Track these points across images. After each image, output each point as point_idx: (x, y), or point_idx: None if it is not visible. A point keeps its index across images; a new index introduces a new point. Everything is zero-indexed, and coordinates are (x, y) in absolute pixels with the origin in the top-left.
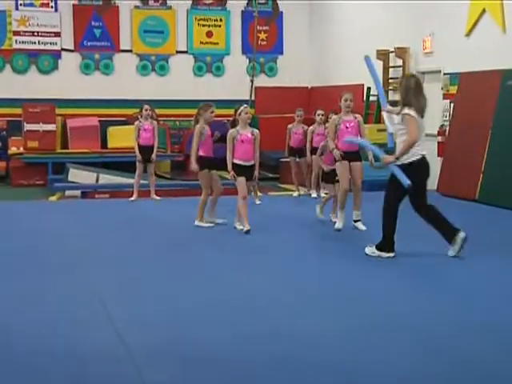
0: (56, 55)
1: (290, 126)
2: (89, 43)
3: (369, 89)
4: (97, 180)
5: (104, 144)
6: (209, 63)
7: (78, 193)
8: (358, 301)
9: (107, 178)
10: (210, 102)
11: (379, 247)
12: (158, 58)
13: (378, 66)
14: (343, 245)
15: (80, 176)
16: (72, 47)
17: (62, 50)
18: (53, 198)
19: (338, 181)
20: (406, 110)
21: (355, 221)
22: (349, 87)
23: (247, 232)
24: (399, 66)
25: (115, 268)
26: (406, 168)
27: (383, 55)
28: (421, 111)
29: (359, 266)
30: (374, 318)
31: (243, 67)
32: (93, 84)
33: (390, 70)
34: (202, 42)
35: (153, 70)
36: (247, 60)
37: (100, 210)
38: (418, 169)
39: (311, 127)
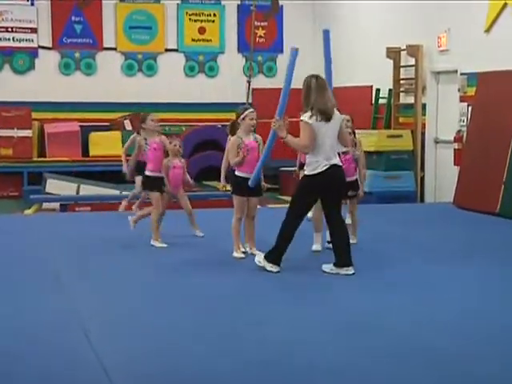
0: (32, 53)
1: None
2: (68, 40)
3: (378, 91)
4: (77, 191)
5: (85, 152)
6: (201, 62)
7: (56, 205)
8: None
9: (89, 189)
10: (203, 104)
11: (266, 256)
12: (145, 57)
13: (388, 65)
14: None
15: (59, 187)
16: (50, 44)
17: (39, 47)
18: (28, 212)
19: (351, 197)
20: (302, 116)
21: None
22: (356, 89)
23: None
24: (411, 66)
25: (97, 291)
26: (310, 180)
27: (394, 53)
28: (324, 114)
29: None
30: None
31: (239, 67)
32: (73, 85)
33: (402, 69)
34: (193, 39)
35: (139, 69)
36: (244, 59)
37: (81, 224)
38: (323, 182)
39: None
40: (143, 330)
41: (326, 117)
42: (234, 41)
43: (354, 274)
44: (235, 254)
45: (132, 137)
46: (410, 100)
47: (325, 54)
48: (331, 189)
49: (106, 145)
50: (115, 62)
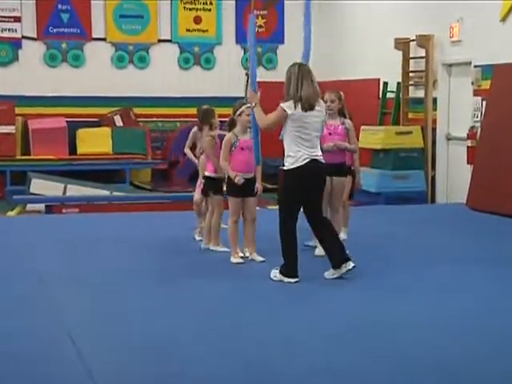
0: (16, 44)
1: None
2: (55, 30)
3: (385, 84)
4: (64, 192)
5: (73, 149)
6: (197, 54)
7: (41, 207)
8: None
9: (76, 190)
10: (198, 98)
11: (281, 271)
12: (137, 48)
13: (397, 56)
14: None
15: (44, 187)
16: (35, 35)
17: (23, 37)
18: (11, 214)
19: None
20: (282, 103)
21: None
22: (362, 82)
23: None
24: (421, 57)
25: (85, 299)
26: (288, 174)
27: (403, 44)
28: (307, 103)
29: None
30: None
31: (237, 59)
32: (59, 78)
33: (411, 61)
34: (188, 30)
35: (130, 61)
36: (242, 50)
37: (68, 227)
38: (302, 177)
39: None
40: (133, 334)
41: (309, 105)
42: (232, 31)
43: (354, 266)
44: (233, 260)
45: (193, 132)
46: (420, 94)
47: (304, 26)
48: (310, 185)
49: (94, 142)
50: (105, 54)
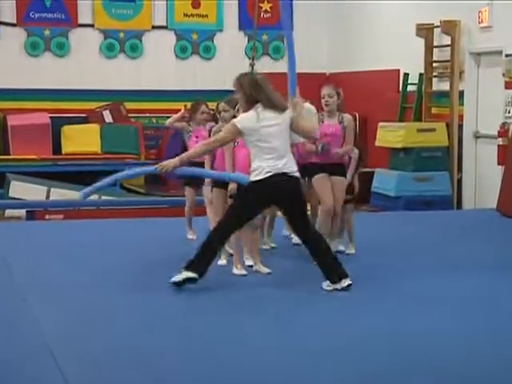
0: None
1: None
2: (36, 15)
3: (406, 76)
4: (47, 196)
5: (57, 148)
6: (195, 42)
7: (22, 212)
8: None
9: (61, 194)
10: (197, 92)
11: (189, 266)
12: (129, 36)
13: (419, 44)
14: None
15: (25, 191)
16: (14, 20)
17: (1, 23)
18: None
19: (347, 201)
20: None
21: None
22: (380, 74)
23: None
24: (446, 46)
25: (66, 314)
26: (250, 188)
27: (425, 31)
28: (273, 108)
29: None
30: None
31: (240, 47)
32: (42, 69)
33: (435, 50)
34: (186, 15)
35: (121, 50)
36: (246, 38)
37: (52, 235)
38: (263, 192)
39: None
40: (118, 349)
41: (274, 109)
42: (235, 16)
43: (351, 284)
44: (235, 271)
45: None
46: (445, 87)
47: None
48: (276, 201)
49: (81, 140)
50: (92, 42)
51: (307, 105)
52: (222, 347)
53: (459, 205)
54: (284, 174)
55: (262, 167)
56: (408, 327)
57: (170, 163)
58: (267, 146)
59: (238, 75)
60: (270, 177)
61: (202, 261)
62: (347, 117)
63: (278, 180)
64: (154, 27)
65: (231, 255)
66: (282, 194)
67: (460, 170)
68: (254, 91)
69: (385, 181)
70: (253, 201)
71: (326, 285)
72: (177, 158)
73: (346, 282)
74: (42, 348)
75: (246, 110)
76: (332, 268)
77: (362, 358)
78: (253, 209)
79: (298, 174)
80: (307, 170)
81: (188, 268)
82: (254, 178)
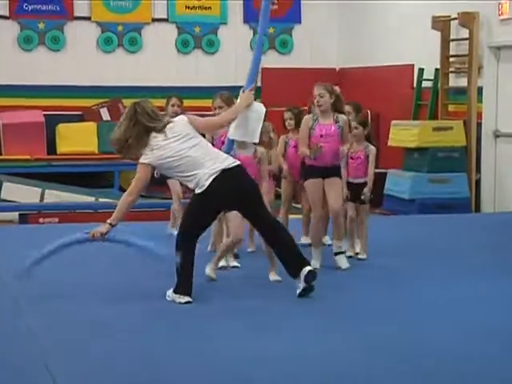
0: None
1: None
2: (30, 7)
3: (421, 71)
4: (41, 198)
5: (52, 148)
6: (198, 36)
7: (14, 216)
8: None
9: (56, 196)
10: (199, 88)
11: (175, 290)
12: (127, 29)
13: (435, 38)
14: None
15: (18, 193)
16: (6, 13)
17: None
18: None
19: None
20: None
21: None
22: (393, 69)
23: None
24: (464, 39)
25: (60, 325)
26: (199, 198)
27: (442, 24)
28: (154, 126)
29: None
30: None
31: (245, 41)
32: (36, 64)
33: (452, 44)
34: (188, 7)
35: (120, 44)
36: (251, 31)
37: (46, 239)
38: (217, 195)
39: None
40: (117, 364)
41: (158, 128)
42: (239, 8)
43: (313, 271)
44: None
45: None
46: (463, 83)
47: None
48: (234, 198)
49: (77, 139)
50: (89, 36)
51: (257, 104)
52: (239, 363)
53: (477, 208)
54: (225, 169)
55: (198, 177)
56: (419, 331)
57: (99, 230)
58: (188, 157)
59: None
60: (215, 179)
61: (182, 280)
62: (342, 117)
63: (224, 177)
64: (154, 20)
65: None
66: (234, 187)
67: (478, 170)
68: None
69: (398, 183)
70: (205, 209)
71: (298, 287)
72: (107, 222)
73: (312, 266)
74: (37, 361)
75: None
76: (294, 258)
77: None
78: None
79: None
80: (302, 170)
81: (176, 292)
82: (199, 189)
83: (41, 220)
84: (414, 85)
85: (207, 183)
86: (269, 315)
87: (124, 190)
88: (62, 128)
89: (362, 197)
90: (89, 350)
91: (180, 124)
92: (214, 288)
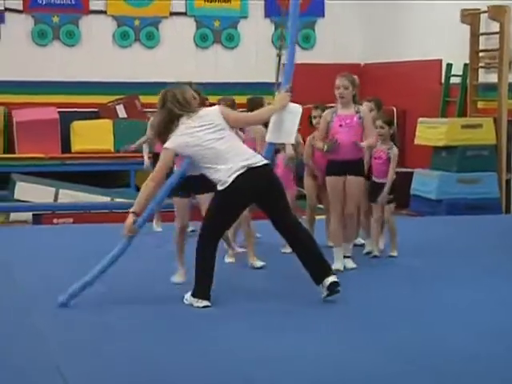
0: None
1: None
2: (44, 1)
3: (449, 66)
4: (55, 198)
5: (66, 146)
6: (217, 30)
7: (28, 216)
8: None
9: (70, 195)
10: (218, 84)
11: (193, 294)
12: (144, 23)
13: (464, 32)
14: None
15: (31, 192)
16: (20, 7)
17: (6, 10)
18: None
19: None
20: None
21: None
22: (419, 64)
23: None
24: (495, 33)
25: (74, 330)
26: (222, 195)
27: (471, 17)
28: (184, 107)
29: None
30: None
31: (267, 36)
32: (50, 59)
33: (481, 38)
34: (207, 0)
35: (136, 39)
36: (272, 25)
37: (60, 240)
38: (239, 194)
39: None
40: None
41: (187, 116)
42: (260, 2)
43: (336, 282)
44: (174, 279)
45: None
46: (493, 78)
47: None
48: (257, 196)
49: (92, 137)
50: (105, 30)
51: (293, 105)
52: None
53: (508, 209)
54: (251, 168)
55: (221, 174)
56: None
57: (126, 225)
58: (211, 149)
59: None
60: (238, 176)
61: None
62: (363, 108)
63: (248, 175)
64: (172, 14)
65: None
66: (258, 185)
67: (509, 170)
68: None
69: (425, 182)
70: (228, 207)
71: (323, 293)
72: (130, 211)
73: (334, 278)
74: (49, 365)
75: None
76: (318, 264)
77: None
78: (230, 214)
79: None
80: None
81: (194, 296)
82: (221, 186)
83: (55, 220)
84: (442, 81)
85: (230, 180)
86: (285, 316)
87: (139, 189)
88: (76, 125)
89: (379, 198)
90: (99, 351)
91: (211, 114)
92: (232, 289)
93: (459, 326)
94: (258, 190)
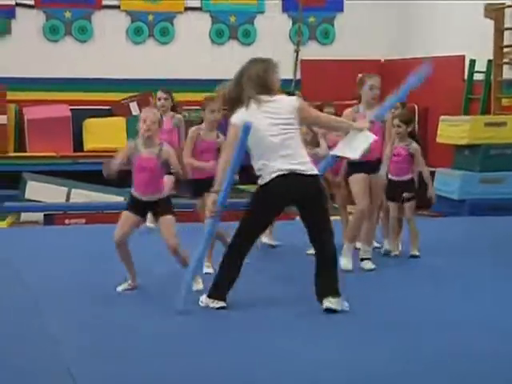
0: (8, 13)
1: None
2: None
3: (472, 62)
4: (67, 198)
5: (78, 144)
6: (233, 26)
7: (39, 216)
8: None
9: (83, 195)
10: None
11: (209, 294)
12: (158, 18)
13: (487, 27)
14: None
15: (43, 192)
16: (31, 1)
17: (17, 5)
18: (2, 224)
19: (407, 199)
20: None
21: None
22: (442, 60)
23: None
24: None
25: (86, 333)
26: (259, 193)
27: (495, 12)
28: (264, 89)
29: None
30: None
31: (284, 31)
32: (62, 55)
33: (506, 33)
34: None
35: (150, 35)
36: (290, 21)
37: (72, 241)
38: (271, 196)
39: None
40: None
41: (266, 91)
42: None
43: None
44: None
45: None
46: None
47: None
48: (294, 202)
49: (105, 135)
50: (118, 25)
51: (369, 132)
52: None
53: None
54: (291, 173)
55: (264, 168)
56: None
57: (209, 204)
58: (265, 140)
59: None
60: (276, 177)
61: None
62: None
63: (283, 180)
64: (186, 9)
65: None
66: (290, 193)
67: None
68: None
69: (447, 182)
70: (262, 207)
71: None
72: (211, 190)
73: (326, 304)
74: (61, 368)
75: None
76: (320, 284)
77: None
78: (263, 216)
79: None
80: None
81: (210, 296)
82: (260, 181)
83: (67, 221)
84: (465, 77)
85: (269, 178)
86: (302, 317)
87: None
88: (89, 123)
89: (405, 194)
90: (112, 352)
91: (285, 104)
92: (252, 294)
93: (482, 326)
94: (293, 196)
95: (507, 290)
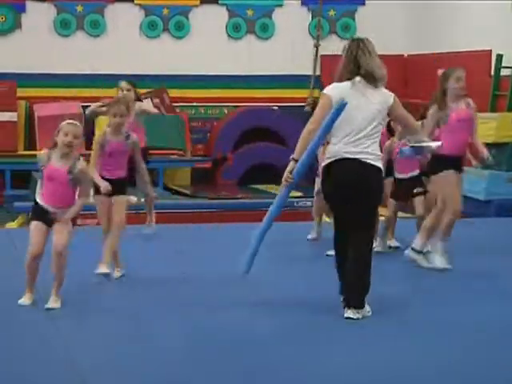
0: (18, 7)
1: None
2: None
3: (499, 57)
4: None
5: (90, 142)
6: (250, 19)
7: None
8: None
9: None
10: (252, 77)
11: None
12: (173, 12)
13: None
14: None
15: None
16: None
17: None
18: (12, 225)
19: (418, 194)
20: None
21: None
22: (467, 55)
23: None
24: None
25: (99, 340)
26: (324, 175)
27: None
28: (368, 77)
29: None
30: None
31: (303, 25)
32: (74, 51)
33: None
34: None
35: (165, 29)
36: (309, 14)
37: (83, 243)
38: (329, 178)
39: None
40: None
41: (370, 80)
42: None
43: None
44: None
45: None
46: None
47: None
48: (339, 191)
49: None
50: (132, 19)
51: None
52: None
53: None
54: (355, 158)
55: (334, 150)
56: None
57: (286, 172)
58: (353, 118)
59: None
60: (341, 159)
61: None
62: (472, 101)
63: (345, 164)
64: (202, 2)
65: None
66: (345, 180)
67: None
68: None
69: (473, 182)
70: (328, 191)
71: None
72: (290, 158)
73: (353, 314)
74: (75, 380)
75: None
76: (344, 286)
77: None
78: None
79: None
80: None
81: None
82: (326, 160)
83: (78, 222)
84: (492, 73)
85: (330, 160)
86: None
87: (169, 190)
88: (101, 121)
89: (416, 189)
90: (123, 354)
91: (383, 96)
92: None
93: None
94: (347, 182)
95: None
